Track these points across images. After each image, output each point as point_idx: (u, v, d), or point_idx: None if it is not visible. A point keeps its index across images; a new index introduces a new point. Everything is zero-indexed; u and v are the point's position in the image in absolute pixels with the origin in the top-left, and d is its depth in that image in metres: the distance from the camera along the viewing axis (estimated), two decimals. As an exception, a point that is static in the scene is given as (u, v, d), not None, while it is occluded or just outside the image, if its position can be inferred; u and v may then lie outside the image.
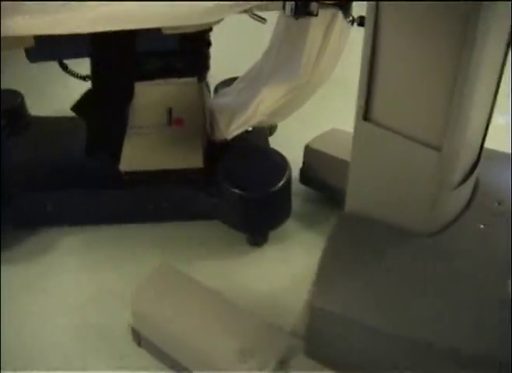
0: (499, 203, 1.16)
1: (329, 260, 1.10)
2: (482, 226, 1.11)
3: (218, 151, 1.54)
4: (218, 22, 1.26)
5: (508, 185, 1.20)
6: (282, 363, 1.12)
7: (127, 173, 1.54)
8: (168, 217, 1.59)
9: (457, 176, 1.08)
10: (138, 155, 1.51)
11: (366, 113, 1.04)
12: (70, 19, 1.09)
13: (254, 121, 1.53)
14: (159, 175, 1.53)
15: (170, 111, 1.47)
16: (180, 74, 1.41)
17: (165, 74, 1.41)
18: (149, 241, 1.57)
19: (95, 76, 1.27)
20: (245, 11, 1.24)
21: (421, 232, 1.10)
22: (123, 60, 1.30)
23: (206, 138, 1.54)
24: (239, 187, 1.43)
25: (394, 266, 1.07)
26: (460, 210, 1.14)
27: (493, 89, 1.05)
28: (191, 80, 1.42)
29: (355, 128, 1.08)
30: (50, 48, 1.25)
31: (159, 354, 1.26)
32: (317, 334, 1.13)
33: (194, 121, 1.48)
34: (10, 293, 1.43)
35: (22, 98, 1.74)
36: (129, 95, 1.37)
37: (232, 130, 1.54)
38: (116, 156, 1.47)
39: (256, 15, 1.25)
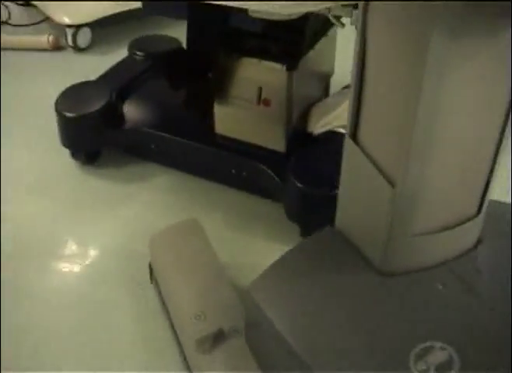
0: (478, 272, 1.08)
1: (284, 263, 1.15)
2: (440, 287, 1.05)
3: (304, 143, 1.61)
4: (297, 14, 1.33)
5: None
6: (221, 335, 1.21)
7: (220, 136, 1.70)
8: (243, 186, 1.72)
9: (422, 223, 1.03)
10: (231, 122, 1.66)
11: (354, 132, 1.05)
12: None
13: (341, 122, 1.56)
14: (246, 146, 1.66)
15: (260, 90, 1.57)
16: (273, 58, 1.51)
17: (260, 55, 1.51)
18: (217, 200, 1.72)
19: (189, 38, 1.45)
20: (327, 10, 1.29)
21: (376, 268, 1.09)
22: (211, 28, 1.45)
23: (293, 127, 1.62)
24: (300, 180, 1.50)
25: (334, 294, 1.09)
26: (434, 262, 1.09)
27: (493, 136, 0.98)
28: (280, 66, 1.51)
29: (344, 145, 1.10)
30: (160, 7, 1.46)
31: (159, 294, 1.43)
32: (249, 323, 1.19)
33: (280, 106, 1.57)
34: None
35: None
36: (212, 61, 1.52)
37: (320, 125, 1.60)
38: (208, 116, 1.63)
39: (336, 18, 1.30)
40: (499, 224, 1.16)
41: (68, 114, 1.79)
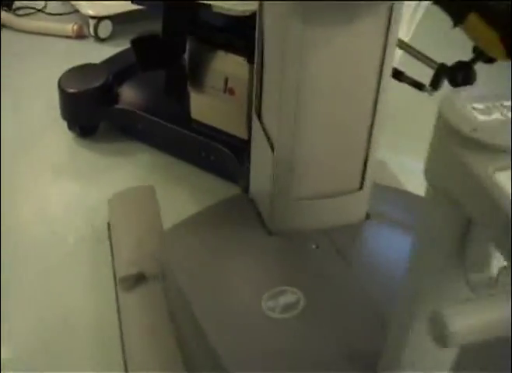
0: (355, 242, 1.26)
1: (195, 219, 1.36)
2: (313, 246, 1.23)
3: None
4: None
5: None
6: (142, 277, 1.42)
7: (194, 121, 1.92)
8: (212, 168, 1.94)
9: (302, 188, 1.21)
10: (204, 109, 1.88)
11: (259, 111, 1.25)
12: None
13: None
14: (216, 132, 1.87)
15: (226, 80, 1.79)
16: (236, 51, 1.72)
17: (226, 47, 1.73)
18: (187, 179, 1.95)
19: (164, 26, 1.69)
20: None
21: (267, 228, 1.28)
22: (183, 20, 1.68)
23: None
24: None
25: (227, 248, 1.28)
26: (317, 227, 1.27)
27: (363, 113, 1.15)
28: (243, 59, 1.72)
29: (252, 123, 1.31)
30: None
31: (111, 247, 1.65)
32: (163, 271, 1.40)
33: (242, 96, 1.77)
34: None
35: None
36: (183, 50, 1.74)
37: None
38: (185, 102, 1.86)
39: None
40: (387, 206, 1.33)
41: (67, 90, 2.04)
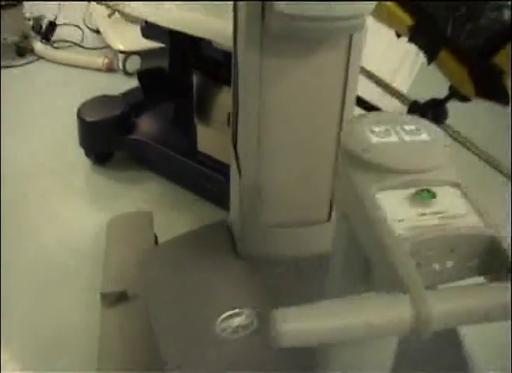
0: (318, 271, 1.29)
1: (173, 243, 1.43)
2: (278, 272, 1.28)
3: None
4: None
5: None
6: (124, 295, 1.48)
7: (200, 153, 2.01)
8: (213, 198, 2.01)
9: (270, 216, 1.27)
10: (209, 141, 1.97)
11: (235, 142, 1.32)
12: (156, 15, 1.65)
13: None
14: (220, 164, 1.95)
15: (229, 114, 1.87)
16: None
17: (229, 82, 1.81)
18: (189, 207, 2.02)
19: (170, 59, 1.79)
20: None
21: (238, 253, 1.33)
22: (188, 55, 1.78)
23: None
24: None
25: (198, 271, 1.34)
26: (286, 254, 1.31)
27: (328, 145, 1.20)
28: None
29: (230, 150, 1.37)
30: (152, 33, 1.82)
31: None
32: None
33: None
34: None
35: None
36: (190, 83, 1.83)
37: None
38: (192, 134, 1.95)
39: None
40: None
41: (85, 119, 2.16)
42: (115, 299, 1.49)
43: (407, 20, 1.28)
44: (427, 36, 1.27)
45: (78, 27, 3.07)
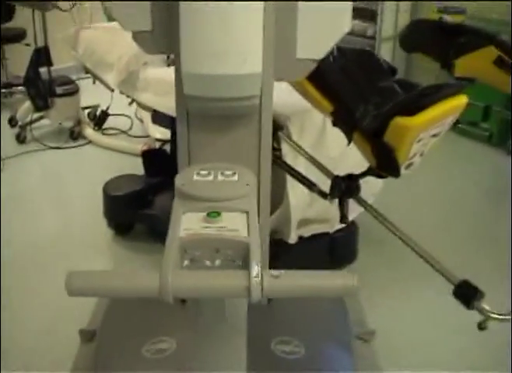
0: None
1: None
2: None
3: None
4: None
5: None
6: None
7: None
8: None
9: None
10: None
11: None
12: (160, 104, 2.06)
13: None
14: None
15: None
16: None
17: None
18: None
19: (171, 142, 2.18)
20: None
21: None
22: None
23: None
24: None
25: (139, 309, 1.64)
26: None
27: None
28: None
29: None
30: (160, 117, 2.23)
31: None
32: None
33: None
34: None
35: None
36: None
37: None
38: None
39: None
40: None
41: (109, 193, 2.57)
42: (91, 336, 1.80)
43: (328, 107, 1.58)
44: (344, 120, 1.56)
45: (129, 117, 3.57)
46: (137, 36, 1.35)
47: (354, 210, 1.97)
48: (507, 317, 1.35)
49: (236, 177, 1.03)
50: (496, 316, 1.35)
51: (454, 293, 1.41)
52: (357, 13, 4.21)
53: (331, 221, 2.33)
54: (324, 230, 2.32)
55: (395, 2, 3.96)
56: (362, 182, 2.24)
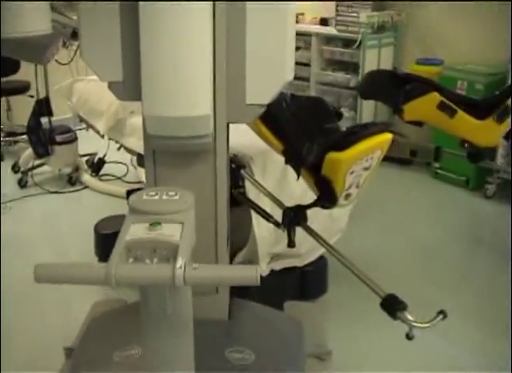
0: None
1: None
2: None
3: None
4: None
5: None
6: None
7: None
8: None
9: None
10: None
11: None
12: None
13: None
14: None
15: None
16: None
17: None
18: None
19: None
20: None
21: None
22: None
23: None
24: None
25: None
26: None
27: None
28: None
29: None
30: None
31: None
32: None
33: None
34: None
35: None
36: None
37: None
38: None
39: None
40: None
41: (99, 231, 2.86)
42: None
43: (279, 146, 1.87)
44: (292, 158, 1.85)
45: (124, 164, 3.90)
46: (111, 86, 1.65)
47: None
48: (426, 325, 1.60)
49: (177, 197, 1.32)
50: (418, 325, 1.60)
51: (381, 304, 1.66)
52: (341, 66, 4.56)
53: (301, 256, 2.61)
54: (294, 264, 2.59)
55: (376, 56, 4.30)
56: (329, 219, 2.54)
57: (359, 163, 1.69)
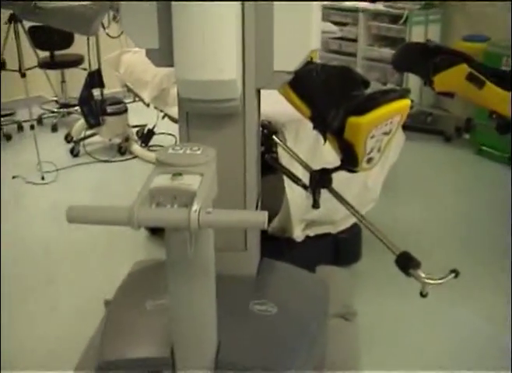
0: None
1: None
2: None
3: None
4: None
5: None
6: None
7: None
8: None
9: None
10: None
11: None
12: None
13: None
14: None
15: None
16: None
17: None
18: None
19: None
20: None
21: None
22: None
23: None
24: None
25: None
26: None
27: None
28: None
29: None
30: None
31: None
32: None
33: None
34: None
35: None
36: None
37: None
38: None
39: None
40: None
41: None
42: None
43: (307, 112, 1.98)
44: (319, 123, 1.96)
45: (173, 135, 4.06)
46: (149, 53, 1.80)
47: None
48: (438, 281, 1.70)
49: (199, 152, 1.46)
50: (430, 281, 1.70)
51: (396, 261, 1.77)
52: (387, 41, 4.61)
53: (336, 223, 2.72)
54: (328, 231, 2.70)
55: (423, 32, 4.33)
56: (363, 188, 2.65)
57: (379, 128, 1.79)
